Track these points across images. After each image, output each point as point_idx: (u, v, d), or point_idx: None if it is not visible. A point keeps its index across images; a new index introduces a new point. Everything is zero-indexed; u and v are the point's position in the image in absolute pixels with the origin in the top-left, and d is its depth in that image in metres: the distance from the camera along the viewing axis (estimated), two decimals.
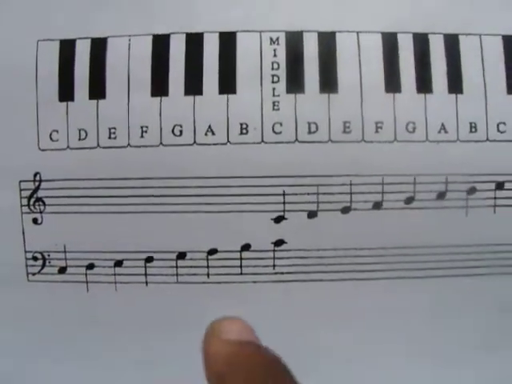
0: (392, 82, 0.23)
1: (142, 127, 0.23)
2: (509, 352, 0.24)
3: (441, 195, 0.23)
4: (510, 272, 0.23)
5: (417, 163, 0.23)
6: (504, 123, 0.23)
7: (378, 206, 0.23)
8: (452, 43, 0.23)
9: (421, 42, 0.23)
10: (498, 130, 0.23)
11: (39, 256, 0.23)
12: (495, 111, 0.23)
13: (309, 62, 0.23)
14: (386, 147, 0.23)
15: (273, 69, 0.23)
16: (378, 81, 0.23)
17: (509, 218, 0.23)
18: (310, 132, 0.23)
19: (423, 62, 0.23)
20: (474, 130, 0.23)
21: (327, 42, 0.23)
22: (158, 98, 0.22)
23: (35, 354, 0.24)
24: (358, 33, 0.23)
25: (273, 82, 0.23)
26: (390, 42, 0.23)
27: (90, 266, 0.23)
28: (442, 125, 0.23)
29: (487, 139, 0.23)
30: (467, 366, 0.24)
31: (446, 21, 0.23)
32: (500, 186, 0.23)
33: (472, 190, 0.23)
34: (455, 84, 0.23)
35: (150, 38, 0.23)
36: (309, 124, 0.23)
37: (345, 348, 0.23)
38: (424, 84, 0.23)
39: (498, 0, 0.24)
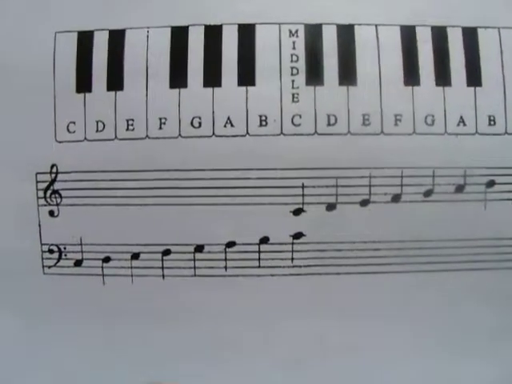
0: (411, 75, 0.23)
1: (160, 119, 0.22)
2: None
3: (459, 188, 0.23)
4: None
5: (435, 156, 0.23)
6: None
7: (396, 198, 0.23)
8: (471, 36, 0.23)
9: (439, 35, 0.23)
10: None
11: (55, 249, 0.23)
12: None
13: (328, 55, 0.22)
14: (405, 140, 0.23)
15: (292, 61, 0.23)
16: (397, 74, 0.23)
17: None
18: (329, 124, 0.22)
19: (442, 54, 0.23)
20: (492, 123, 0.23)
21: (346, 34, 0.23)
22: (177, 90, 0.22)
23: (49, 346, 0.23)
24: (376, 26, 0.23)
25: (292, 74, 0.22)
26: (408, 35, 0.23)
27: (107, 259, 0.23)
28: (461, 117, 0.23)
29: (506, 132, 0.23)
30: (485, 359, 0.24)
31: (464, 14, 0.23)
32: None
33: (491, 183, 0.23)
34: (474, 77, 0.23)
35: (169, 29, 0.23)
36: (328, 116, 0.22)
37: (363, 341, 0.23)
38: (443, 77, 0.23)
39: None
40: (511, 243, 0.23)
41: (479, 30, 0.23)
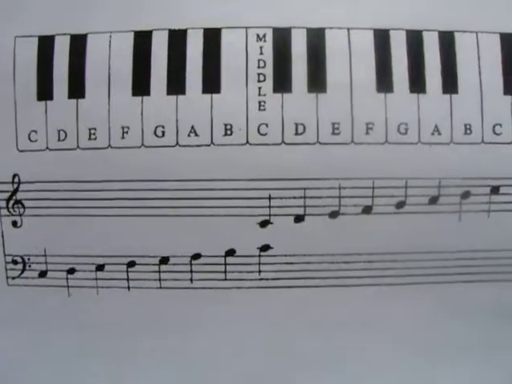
0: (384, 82, 0.22)
1: (123, 128, 0.22)
2: (502, 358, 0.23)
3: (433, 199, 0.22)
4: (504, 279, 0.23)
5: (408, 166, 0.22)
6: (500, 125, 0.22)
7: (367, 210, 0.22)
8: (447, 41, 0.22)
9: (414, 40, 0.22)
10: (494, 132, 0.22)
11: (19, 260, 0.23)
12: (491, 112, 0.22)
13: (297, 60, 0.22)
14: (377, 149, 0.22)
15: (259, 67, 0.22)
16: (369, 80, 0.22)
17: (503, 224, 0.22)
18: (297, 133, 0.22)
19: (417, 60, 0.22)
20: (468, 131, 0.22)
21: (316, 38, 0.22)
22: (140, 98, 0.22)
23: (13, 358, 0.23)
24: (348, 29, 0.22)
25: (259, 80, 0.22)
26: (382, 39, 0.22)
27: (71, 271, 0.23)
28: (436, 126, 0.22)
29: (482, 141, 0.22)
30: (452, 371, 0.23)
31: (441, 17, 0.22)
32: (495, 190, 0.22)
33: (466, 195, 0.22)
34: (450, 84, 0.22)
35: (132, 34, 0.22)
36: (296, 125, 0.22)
37: (327, 354, 0.23)
38: (417, 83, 0.22)
39: None
40: (486, 256, 0.23)
41: (456, 35, 0.22)
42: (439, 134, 0.22)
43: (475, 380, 0.23)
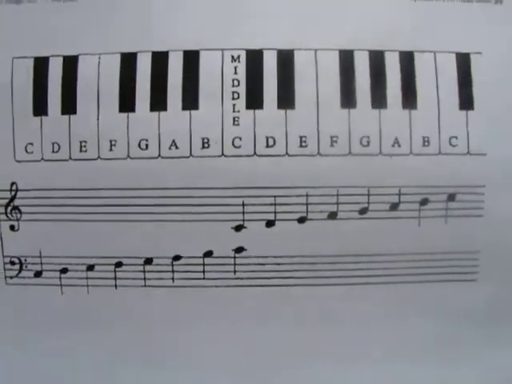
0: (347, 98, 0.24)
1: (110, 141, 0.24)
2: (470, 358, 0.25)
3: (394, 206, 0.24)
4: (459, 279, 0.25)
5: (371, 175, 0.24)
6: (456, 137, 0.24)
7: (333, 216, 0.24)
8: (407, 60, 0.24)
9: (377, 59, 0.24)
10: (451, 144, 0.24)
11: (16, 260, 0.25)
12: (448, 126, 0.24)
13: (268, 79, 0.24)
14: (341, 160, 0.24)
15: (233, 86, 0.24)
16: (334, 96, 0.24)
17: (460, 228, 0.24)
18: (267, 146, 0.24)
19: (378, 78, 0.24)
20: (426, 143, 0.24)
21: (286, 59, 0.24)
22: (126, 114, 0.24)
23: (11, 355, 0.25)
24: (315, 50, 0.24)
25: (233, 98, 0.24)
26: (346, 59, 0.24)
27: (64, 270, 0.25)
28: (396, 139, 0.24)
29: (439, 153, 0.24)
30: (422, 369, 0.25)
31: (401, 38, 0.24)
32: (452, 197, 0.24)
33: (424, 202, 0.24)
34: (409, 99, 0.24)
35: (119, 56, 0.24)
36: (267, 138, 0.24)
37: (299, 350, 0.25)
38: (379, 100, 0.24)
39: (453, 17, 0.25)
40: (444, 257, 0.25)
41: (415, 54, 0.24)
42: (399, 145, 0.24)
43: (444, 379, 0.25)
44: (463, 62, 0.24)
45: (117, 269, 0.25)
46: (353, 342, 0.25)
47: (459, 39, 0.24)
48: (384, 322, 0.25)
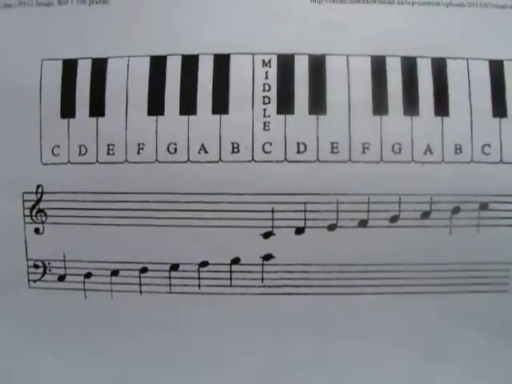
0: (379, 105, 0.23)
1: (138, 144, 0.24)
2: (491, 371, 0.24)
3: (425, 214, 0.24)
4: (491, 290, 0.24)
5: (402, 183, 0.24)
6: (489, 145, 0.24)
7: (363, 223, 0.24)
8: (439, 67, 0.24)
9: (409, 66, 0.24)
10: (483, 152, 0.24)
11: (40, 264, 0.25)
12: (480, 133, 0.24)
13: (299, 84, 0.23)
14: (372, 167, 0.23)
15: (264, 90, 0.24)
16: (366, 103, 0.23)
17: (492, 238, 0.24)
18: (298, 152, 0.23)
19: (411, 84, 0.24)
20: (458, 151, 0.24)
21: (317, 64, 0.24)
22: (155, 117, 0.24)
23: (34, 357, 0.25)
24: (347, 56, 0.24)
25: (264, 103, 0.23)
26: (378, 65, 0.24)
27: (88, 275, 0.25)
28: (428, 146, 0.24)
29: (472, 160, 0.24)
30: (449, 380, 0.24)
31: (434, 44, 0.24)
32: (484, 206, 0.24)
33: (456, 210, 0.24)
34: (442, 106, 0.24)
35: (148, 58, 0.24)
36: (298, 144, 0.23)
37: (327, 360, 0.24)
38: (411, 106, 0.23)
39: (486, 25, 0.24)
40: (475, 268, 0.24)
41: (448, 61, 0.24)
42: (431, 153, 0.24)
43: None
44: (496, 69, 0.24)
45: (142, 274, 0.24)
46: (379, 354, 0.24)
47: (492, 46, 0.24)
48: (412, 333, 0.24)
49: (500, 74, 0.24)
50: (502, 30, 0.24)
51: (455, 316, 0.24)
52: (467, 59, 0.24)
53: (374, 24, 0.24)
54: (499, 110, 0.24)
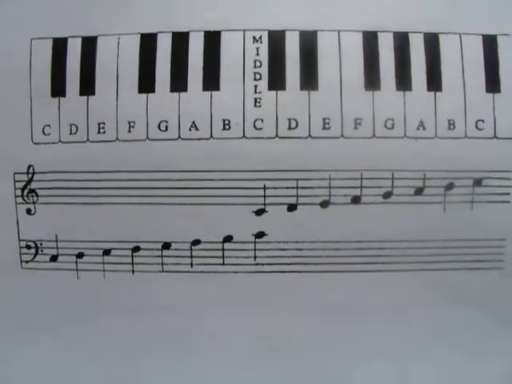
0: (371, 80, 0.23)
1: (129, 122, 0.24)
2: (495, 349, 0.24)
3: (419, 191, 0.24)
4: (485, 267, 0.24)
5: (395, 159, 0.23)
6: (482, 121, 0.24)
7: (356, 200, 0.23)
8: (432, 42, 0.24)
9: (401, 41, 0.23)
10: (477, 127, 0.24)
11: (32, 244, 0.25)
12: (474, 109, 0.23)
13: (290, 60, 0.23)
14: (365, 143, 0.23)
15: (255, 67, 0.23)
16: (358, 78, 0.23)
17: (486, 215, 0.24)
18: (290, 128, 0.23)
19: (403, 60, 0.23)
20: (452, 127, 0.24)
21: (309, 40, 0.23)
22: (145, 95, 0.23)
23: (28, 338, 0.25)
24: (339, 31, 0.23)
25: (255, 79, 0.23)
26: (370, 41, 0.23)
27: (80, 255, 0.24)
28: (421, 121, 0.23)
29: (465, 136, 0.24)
30: (447, 356, 0.24)
31: (426, 19, 0.24)
32: (478, 182, 0.24)
33: (450, 186, 0.24)
34: (434, 82, 0.23)
35: (138, 36, 0.24)
36: (289, 120, 0.23)
37: (321, 337, 0.24)
38: (403, 82, 0.23)
39: (479, 0, 0.24)
40: (470, 244, 0.24)
41: (441, 36, 0.24)
42: (424, 128, 0.23)
43: (467, 367, 0.24)
44: (489, 44, 0.24)
45: (134, 253, 0.24)
46: (373, 331, 0.24)
47: (485, 21, 0.24)
48: (407, 309, 0.24)
49: (493, 49, 0.24)
50: (494, 5, 0.24)
51: (450, 293, 0.24)
52: (460, 34, 0.24)
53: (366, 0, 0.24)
54: (492, 85, 0.23)
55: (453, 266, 0.24)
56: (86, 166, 0.24)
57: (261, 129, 0.23)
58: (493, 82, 0.24)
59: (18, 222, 0.24)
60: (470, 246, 0.24)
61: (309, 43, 0.23)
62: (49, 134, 0.24)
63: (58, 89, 0.24)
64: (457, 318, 0.24)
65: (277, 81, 0.23)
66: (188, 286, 0.24)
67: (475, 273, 0.24)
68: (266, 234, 0.24)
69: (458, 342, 0.24)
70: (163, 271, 0.24)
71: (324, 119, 0.23)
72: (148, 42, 0.24)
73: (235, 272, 0.24)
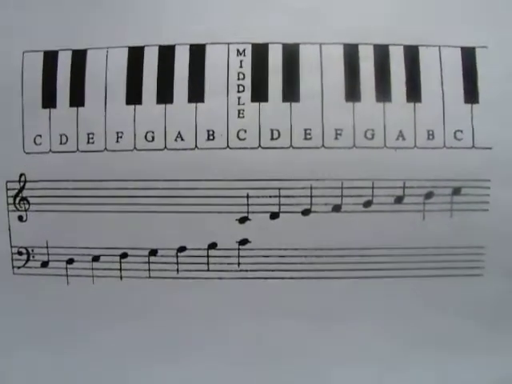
0: (352, 92, 0.24)
1: (117, 133, 0.24)
2: (465, 354, 0.25)
3: (398, 199, 0.24)
4: (465, 274, 0.24)
5: (375, 168, 0.24)
6: (461, 131, 0.24)
7: (337, 208, 0.24)
8: (412, 54, 0.24)
9: (381, 53, 0.24)
10: (456, 138, 0.24)
11: (24, 251, 0.25)
12: (453, 119, 0.24)
13: (273, 73, 0.24)
14: (346, 153, 0.24)
15: (239, 79, 0.24)
16: (339, 90, 0.24)
17: (465, 223, 0.24)
18: (272, 138, 0.24)
19: (383, 71, 0.24)
20: (431, 137, 0.24)
21: (291, 53, 0.24)
22: (133, 106, 0.24)
23: (18, 343, 0.26)
24: (320, 44, 0.24)
25: (238, 91, 0.24)
26: (351, 53, 0.24)
27: (70, 261, 0.25)
28: (400, 132, 0.24)
29: (444, 146, 0.24)
30: (426, 361, 0.25)
31: (406, 32, 0.24)
32: (457, 191, 0.24)
33: (429, 195, 0.24)
34: (414, 93, 0.24)
35: (126, 49, 0.24)
36: (271, 131, 0.24)
37: (301, 343, 0.25)
38: (383, 93, 0.24)
39: (459, 13, 0.25)
40: (449, 252, 0.24)
41: (420, 48, 0.24)
42: (403, 139, 0.24)
43: (449, 374, 0.25)
44: (468, 56, 0.24)
45: (122, 260, 0.25)
46: (354, 337, 0.25)
47: (464, 33, 0.24)
48: (387, 316, 0.25)
49: (472, 61, 0.24)
50: (473, 18, 0.24)
51: (430, 300, 0.25)
52: (439, 46, 0.24)
53: (347, 12, 0.24)
54: (471, 96, 0.24)
55: (433, 272, 0.24)
56: (75, 175, 0.25)
57: (244, 139, 0.24)
58: (471, 93, 0.24)
59: (9, 229, 0.25)
60: (450, 254, 0.24)
61: (291, 56, 0.24)
62: (40, 144, 0.25)
63: (49, 100, 0.25)
64: (437, 325, 0.25)
65: (260, 93, 0.24)
66: (174, 291, 0.25)
67: (455, 279, 0.24)
68: (249, 241, 0.24)
69: (437, 349, 0.25)
70: (150, 277, 0.25)
71: (305, 130, 0.24)
72: (135, 55, 0.24)
73: (220, 278, 0.25)
